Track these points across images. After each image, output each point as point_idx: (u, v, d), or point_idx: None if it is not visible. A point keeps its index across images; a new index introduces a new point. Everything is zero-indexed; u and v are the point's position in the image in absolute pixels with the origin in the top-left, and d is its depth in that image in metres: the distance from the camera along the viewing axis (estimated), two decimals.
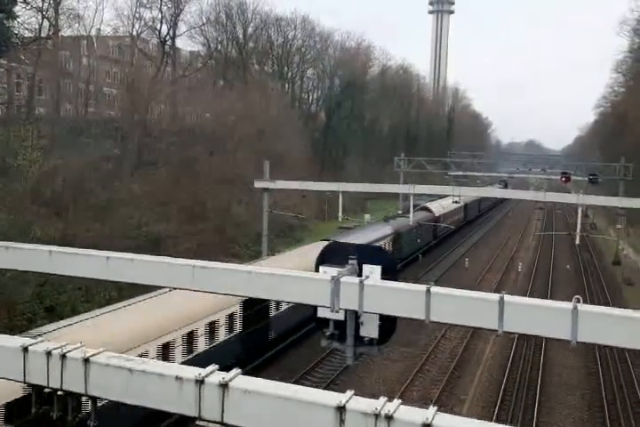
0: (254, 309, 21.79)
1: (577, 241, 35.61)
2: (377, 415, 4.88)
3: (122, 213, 35.42)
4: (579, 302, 6.22)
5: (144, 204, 37.96)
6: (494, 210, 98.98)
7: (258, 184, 36.14)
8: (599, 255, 56.63)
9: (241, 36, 71.93)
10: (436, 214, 53.68)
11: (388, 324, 7.59)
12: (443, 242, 56.64)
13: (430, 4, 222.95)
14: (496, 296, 6.47)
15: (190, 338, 18.31)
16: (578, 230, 32.45)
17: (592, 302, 33.39)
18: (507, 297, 6.43)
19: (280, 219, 47.52)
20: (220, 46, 70.52)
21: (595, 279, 45.09)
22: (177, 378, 5.59)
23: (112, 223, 33.43)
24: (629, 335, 5.92)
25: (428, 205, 55.25)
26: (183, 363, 16.26)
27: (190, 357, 18.10)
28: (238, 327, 21.10)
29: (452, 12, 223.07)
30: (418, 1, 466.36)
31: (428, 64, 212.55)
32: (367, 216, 47.48)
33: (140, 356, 16.41)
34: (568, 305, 6.20)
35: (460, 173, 66.00)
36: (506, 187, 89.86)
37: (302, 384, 20.68)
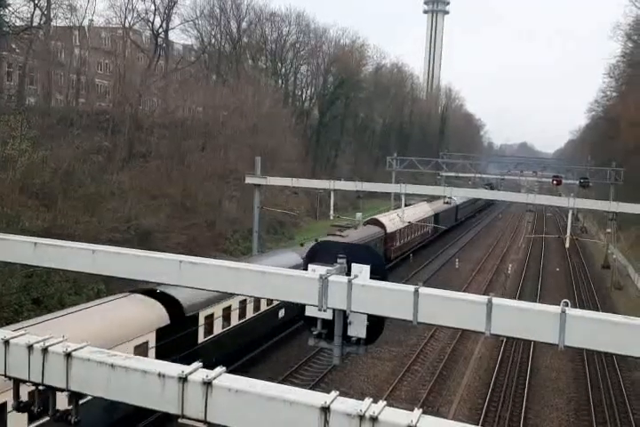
0: None
1: (567, 244, 35.74)
2: (361, 417, 4.82)
3: (111, 205, 35.19)
4: (567, 305, 6.19)
5: (134, 197, 37.72)
6: (477, 218, 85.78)
7: (249, 180, 35.97)
8: (589, 259, 56.93)
9: (235, 31, 71.63)
10: (388, 230, 42.00)
11: (377, 324, 7.55)
12: (397, 267, 42.93)
13: (425, 3, 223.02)
14: (484, 298, 6.43)
15: None
16: (568, 234, 32.53)
17: (581, 306, 33.65)
18: (495, 299, 6.40)
19: (271, 215, 47.42)
20: (213, 40, 70.26)
21: (584, 283, 45.33)
22: (160, 375, 5.51)
23: (101, 216, 33.21)
24: (617, 341, 5.89)
25: (380, 217, 43.49)
26: None
27: None
28: None
29: (446, 13, 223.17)
30: (413, 0, 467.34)
31: (422, 63, 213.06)
32: (359, 215, 47.24)
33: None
34: (556, 309, 6.16)
35: (452, 173, 66.04)
36: (492, 190, 71.06)
37: (290, 382, 20.71)
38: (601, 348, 6.12)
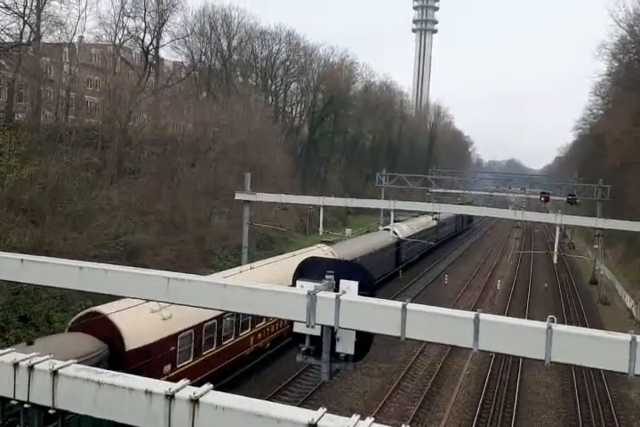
0: None
1: (555, 260, 35.97)
2: None
3: (100, 222, 35.01)
4: (553, 321, 6.23)
5: (123, 213, 37.58)
6: (437, 254, 60.39)
7: (239, 196, 36.07)
8: (576, 275, 57.15)
9: (225, 49, 72.10)
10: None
11: (365, 340, 7.55)
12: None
13: (414, 22, 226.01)
14: (471, 315, 6.46)
15: None
16: (556, 250, 32.78)
17: (569, 321, 33.72)
18: (482, 315, 6.43)
19: (261, 231, 47.37)
20: (203, 58, 70.61)
21: (572, 298, 45.48)
22: (147, 392, 5.49)
23: (89, 232, 33.02)
24: (602, 356, 5.94)
25: None
26: None
27: None
28: None
29: (435, 31, 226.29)
30: (402, 19, 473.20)
31: (412, 81, 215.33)
32: (348, 230, 47.31)
33: None
34: (542, 325, 6.21)
35: (441, 190, 66.26)
36: None
37: (279, 399, 20.53)
38: (586, 363, 6.16)
